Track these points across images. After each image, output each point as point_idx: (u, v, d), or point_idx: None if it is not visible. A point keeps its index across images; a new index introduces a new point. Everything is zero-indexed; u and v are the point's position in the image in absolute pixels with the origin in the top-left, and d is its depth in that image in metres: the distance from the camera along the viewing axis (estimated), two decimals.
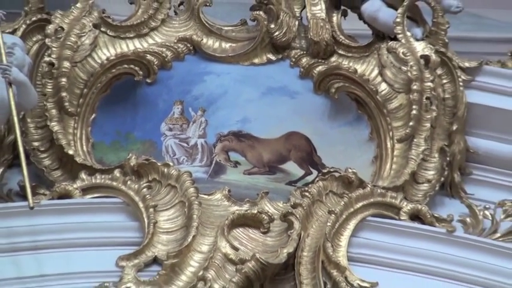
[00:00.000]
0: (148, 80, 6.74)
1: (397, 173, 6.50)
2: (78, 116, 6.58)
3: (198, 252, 6.05)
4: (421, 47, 6.70)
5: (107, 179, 6.27)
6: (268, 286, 6.05)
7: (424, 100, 6.59)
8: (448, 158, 6.58)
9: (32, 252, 5.97)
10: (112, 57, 6.67)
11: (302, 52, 6.91)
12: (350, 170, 6.31)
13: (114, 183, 6.25)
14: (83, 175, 6.27)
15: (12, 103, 6.10)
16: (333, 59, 6.86)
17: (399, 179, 6.42)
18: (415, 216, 6.36)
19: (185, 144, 6.61)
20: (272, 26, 6.74)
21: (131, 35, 6.78)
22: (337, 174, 6.32)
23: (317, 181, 6.33)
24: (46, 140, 6.44)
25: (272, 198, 6.33)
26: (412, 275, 6.17)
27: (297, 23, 6.89)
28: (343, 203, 6.21)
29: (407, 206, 6.34)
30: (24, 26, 6.66)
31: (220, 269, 5.98)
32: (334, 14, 6.95)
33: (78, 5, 6.68)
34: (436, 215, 6.42)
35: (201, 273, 5.92)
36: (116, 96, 6.68)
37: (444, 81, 6.80)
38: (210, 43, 6.88)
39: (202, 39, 6.85)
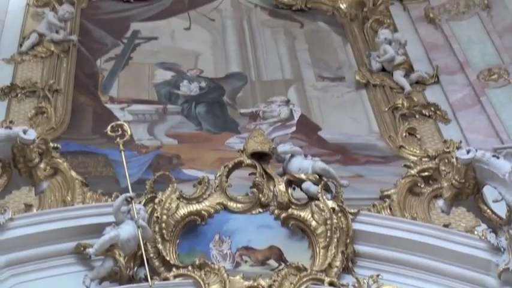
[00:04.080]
0: (203, 223, 6.94)
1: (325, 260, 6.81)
2: (171, 241, 6.80)
3: None
4: (330, 203, 6.95)
5: (185, 270, 6.67)
6: None
7: (333, 228, 6.83)
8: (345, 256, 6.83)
9: None
10: (186, 213, 6.90)
11: (275, 207, 7.02)
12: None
13: (188, 272, 6.66)
14: (173, 269, 6.68)
15: (140, 237, 6.53)
16: (290, 210, 7.02)
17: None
18: None
19: (221, 253, 6.88)
20: (260, 195, 7.05)
21: (194, 202, 6.96)
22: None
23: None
24: (156, 253, 6.75)
25: None
26: None
27: (271, 194, 7.03)
28: None
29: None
30: (144, 199, 6.88)
31: None
32: (290, 190, 7.12)
33: (169, 189, 6.92)
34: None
35: None
36: (188, 230, 6.93)
37: (342, 218, 6.93)
38: (231, 204, 7.00)
39: (227, 203, 7.03)
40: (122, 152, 6.96)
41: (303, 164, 7.20)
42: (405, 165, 7.83)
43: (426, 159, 7.95)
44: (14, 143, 6.77)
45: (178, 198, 6.95)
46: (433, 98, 9.40)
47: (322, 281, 6.74)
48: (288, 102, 9.36)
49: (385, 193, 7.69)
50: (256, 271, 6.82)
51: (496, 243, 6.75)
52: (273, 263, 6.97)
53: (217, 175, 7.14)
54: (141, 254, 6.66)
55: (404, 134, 8.86)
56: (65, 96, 8.86)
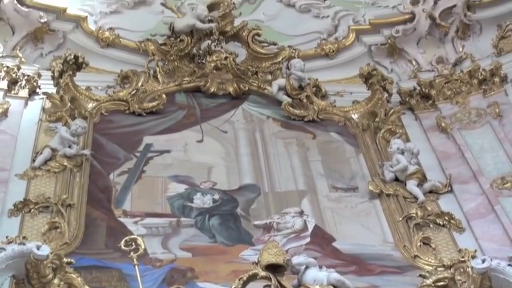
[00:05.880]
0: None
1: None
2: None
3: None
4: None
5: None
6: None
7: None
8: None
9: None
10: None
11: None
12: None
13: None
14: None
15: None
16: None
17: None
18: None
19: None
20: None
21: None
22: None
23: None
24: None
25: None
26: None
27: None
28: None
29: None
30: None
31: None
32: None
33: None
34: None
35: None
36: None
37: None
38: None
39: None
40: (136, 267, 7.13)
41: (318, 276, 7.34)
42: (420, 275, 7.91)
43: (441, 268, 8.06)
44: (27, 259, 6.86)
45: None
46: (447, 207, 9.56)
47: None
48: (301, 213, 9.52)
49: None
50: None
51: None
52: None
53: None
54: None
55: (419, 244, 8.97)
56: (78, 211, 9.02)
